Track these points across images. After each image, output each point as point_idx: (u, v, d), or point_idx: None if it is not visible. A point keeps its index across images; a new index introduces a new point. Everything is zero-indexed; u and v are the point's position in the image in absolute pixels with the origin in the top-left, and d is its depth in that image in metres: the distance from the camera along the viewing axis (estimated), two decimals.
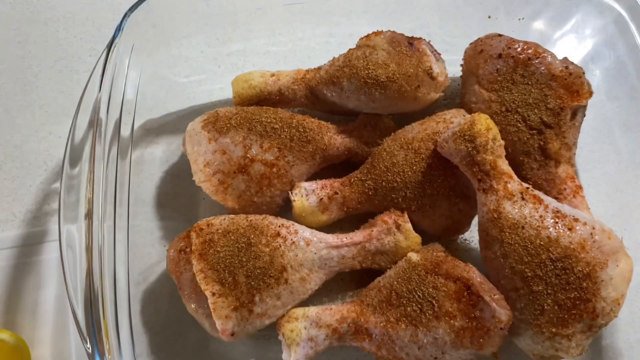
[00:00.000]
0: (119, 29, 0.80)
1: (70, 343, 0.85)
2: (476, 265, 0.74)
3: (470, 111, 0.82)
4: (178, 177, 0.91)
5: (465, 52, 0.86)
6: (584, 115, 0.81)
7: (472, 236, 0.85)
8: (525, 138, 0.79)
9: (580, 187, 0.80)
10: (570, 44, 0.93)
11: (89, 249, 0.71)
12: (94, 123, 0.76)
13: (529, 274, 0.70)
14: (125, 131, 0.81)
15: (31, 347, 0.83)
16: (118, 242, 0.77)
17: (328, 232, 0.80)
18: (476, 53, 0.83)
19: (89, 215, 0.72)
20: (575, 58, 0.91)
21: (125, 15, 0.82)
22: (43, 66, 1.03)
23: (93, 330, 0.67)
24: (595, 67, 0.92)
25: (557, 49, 0.92)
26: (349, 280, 0.84)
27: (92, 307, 0.68)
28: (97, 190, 0.74)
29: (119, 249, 0.77)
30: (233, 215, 0.79)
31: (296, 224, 0.79)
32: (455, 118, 0.81)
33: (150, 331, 0.82)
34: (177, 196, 0.90)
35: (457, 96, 0.91)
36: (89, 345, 0.66)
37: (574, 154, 0.81)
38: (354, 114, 0.87)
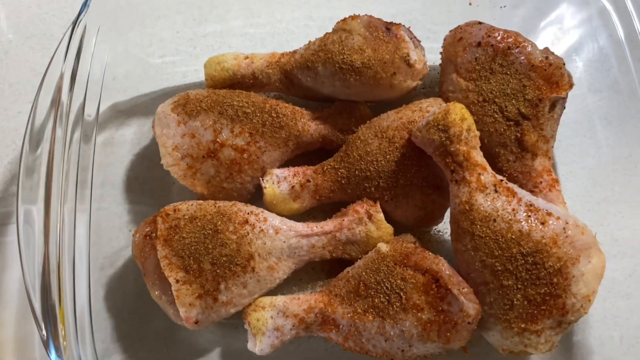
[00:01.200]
0: (85, 4, 0.77)
1: (33, 327, 0.83)
2: (449, 257, 0.73)
3: (447, 100, 0.81)
4: (149, 160, 0.89)
5: (445, 39, 0.83)
6: (564, 108, 0.79)
7: (445, 228, 0.84)
8: (502, 129, 0.77)
9: (556, 181, 0.79)
10: (553, 35, 0.91)
11: (46, 230, 0.69)
12: (56, 103, 0.73)
13: (499, 268, 0.68)
14: (91, 112, 0.79)
15: None
16: (82, 226, 0.76)
17: (299, 221, 0.79)
18: (455, 41, 0.81)
19: (47, 195, 0.70)
20: (558, 49, 0.89)
21: None
22: (14, 43, 1.00)
23: (48, 317, 0.65)
24: (578, 59, 0.90)
25: (540, 39, 0.91)
26: (319, 269, 0.83)
27: (48, 293, 0.67)
28: (57, 171, 0.72)
29: (82, 232, 0.75)
30: (201, 201, 0.77)
31: (266, 212, 0.77)
32: (432, 107, 0.79)
33: (116, 317, 0.81)
34: (147, 180, 0.88)
35: (436, 85, 0.89)
36: (44, 332, 0.65)
37: (552, 146, 0.80)
38: (329, 100, 0.85)
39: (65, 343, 0.66)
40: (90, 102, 0.80)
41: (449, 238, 0.78)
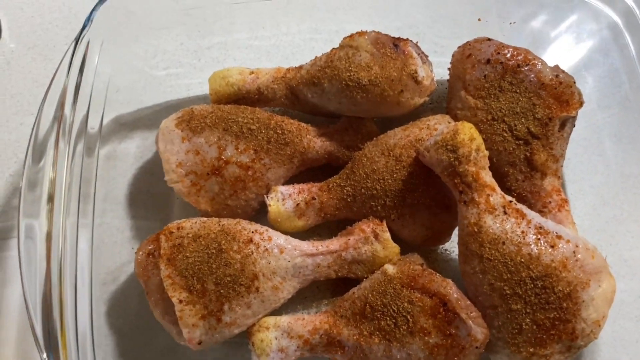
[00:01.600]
0: (88, 19, 0.76)
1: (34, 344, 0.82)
2: (456, 276, 0.72)
3: (455, 118, 0.79)
4: (152, 174, 0.88)
5: (453, 55, 0.82)
6: (573, 126, 0.78)
7: (452, 247, 0.83)
8: (511, 148, 0.76)
9: (565, 201, 0.77)
10: (562, 50, 0.90)
11: (48, 244, 0.68)
12: (59, 117, 0.72)
13: (508, 292, 0.67)
14: (94, 125, 0.78)
15: None
16: (84, 240, 0.75)
17: (304, 239, 0.78)
18: (464, 57, 0.80)
19: (49, 210, 0.70)
20: (568, 64, 0.88)
21: (97, 5, 0.78)
22: (16, 53, 0.99)
23: (49, 340, 0.64)
24: (588, 75, 0.89)
25: (549, 55, 0.89)
26: (324, 288, 0.82)
27: (49, 313, 0.66)
28: (60, 185, 0.71)
29: (84, 247, 0.75)
30: (205, 219, 0.76)
31: (270, 230, 0.76)
32: (440, 125, 0.78)
33: (117, 333, 0.80)
34: (150, 194, 0.87)
35: (444, 100, 0.88)
36: (45, 356, 0.64)
37: (561, 165, 0.79)
38: (335, 116, 0.84)
39: None
40: (93, 114, 0.79)
41: (456, 257, 0.77)
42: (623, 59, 0.86)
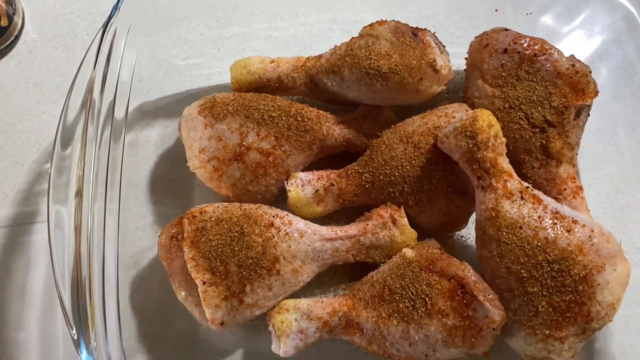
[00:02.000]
0: (115, 8, 0.78)
1: (57, 325, 0.84)
2: (472, 262, 0.73)
3: (472, 106, 0.81)
4: (172, 161, 0.89)
5: (470, 45, 0.83)
6: (588, 115, 0.79)
7: (468, 233, 0.84)
8: (527, 136, 0.77)
9: (580, 188, 0.79)
10: (578, 41, 0.91)
11: (77, 230, 0.70)
12: (87, 104, 0.74)
13: (525, 275, 0.69)
14: (119, 113, 0.80)
15: (18, 329, 0.82)
16: (108, 225, 0.76)
17: (323, 224, 0.79)
18: (481, 47, 0.81)
19: (78, 195, 0.71)
20: (583, 55, 0.89)
21: None
22: (38, 43, 1.01)
23: (79, 316, 0.66)
24: (603, 65, 0.90)
25: (564, 45, 0.90)
26: (342, 273, 0.83)
27: (79, 293, 0.67)
28: (88, 171, 0.73)
29: (110, 232, 0.76)
30: (227, 204, 0.77)
31: (290, 215, 0.78)
32: (457, 113, 0.79)
33: (140, 316, 0.81)
34: (171, 181, 0.89)
35: (460, 90, 0.90)
36: (74, 331, 0.65)
37: (576, 154, 0.80)
38: (354, 105, 0.85)
39: (95, 343, 0.67)
40: (119, 101, 0.81)
41: (473, 243, 0.79)
42: (637, 50, 0.87)
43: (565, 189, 0.78)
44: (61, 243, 0.71)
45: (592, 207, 0.82)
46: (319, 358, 0.80)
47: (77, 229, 0.70)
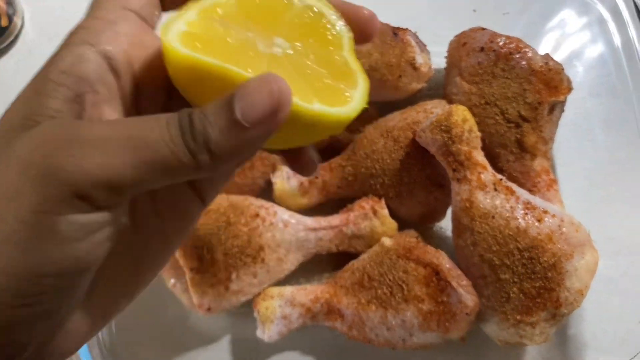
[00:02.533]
0: None
1: None
2: (449, 252, 0.76)
3: (451, 102, 0.84)
4: None
5: (450, 44, 0.87)
6: (562, 111, 0.82)
7: (447, 224, 0.87)
8: (502, 131, 0.81)
9: (554, 181, 0.82)
10: (555, 41, 0.94)
11: None
12: None
13: (497, 263, 0.72)
14: None
15: None
16: None
17: (307, 216, 0.83)
18: (460, 45, 0.84)
19: None
20: (560, 54, 0.93)
21: None
22: (37, 42, 1.04)
23: None
24: (579, 64, 0.94)
25: (542, 45, 0.94)
26: (325, 262, 0.86)
27: None
28: None
29: None
30: None
31: (276, 206, 0.81)
32: (436, 109, 0.82)
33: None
34: None
35: (441, 87, 0.92)
36: None
37: (551, 148, 0.83)
38: None
39: None
40: None
41: (450, 234, 0.82)
42: (610, 51, 0.90)
43: (539, 182, 0.81)
44: None
45: (568, 200, 0.84)
46: (303, 343, 0.83)
47: None
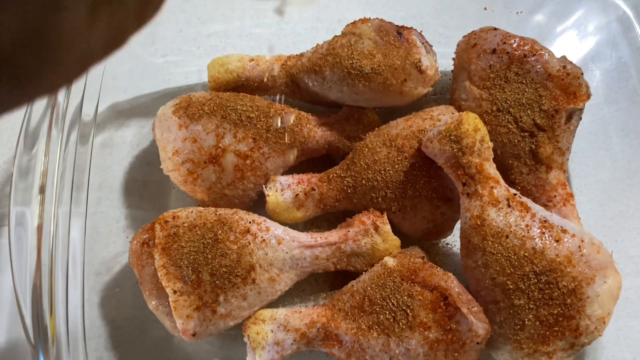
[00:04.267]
0: None
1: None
2: (457, 271, 0.70)
3: (459, 109, 0.78)
4: (148, 163, 0.86)
5: (458, 45, 0.80)
6: (580, 119, 0.76)
7: (454, 240, 0.81)
8: (516, 140, 0.74)
9: (571, 195, 0.76)
10: (570, 42, 0.88)
11: (39, 231, 0.67)
12: (52, 102, 0.70)
13: (511, 287, 0.65)
14: (89, 112, 0.76)
15: None
16: (77, 229, 0.73)
17: (303, 230, 0.76)
18: (469, 47, 0.78)
19: (41, 194, 0.68)
20: (575, 57, 0.86)
21: None
22: None
23: (38, 326, 0.63)
24: (596, 68, 0.87)
25: (556, 47, 0.87)
26: (322, 281, 0.80)
27: (38, 300, 0.64)
28: (53, 173, 0.70)
29: (77, 236, 0.73)
30: (201, 208, 0.74)
31: (268, 221, 0.74)
32: (443, 116, 0.76)
33: (111, 324, 0.78)
34: (146, 184, 0.85)
35: (447, 92, 0.86)
36: (32, 341, 0.62)
37: (567, 159, 0.77)
38: (336, 106, 0.82)
39: (55, 351, 0.63)
40: (88, 101, 0.77)
41: (458, 251, 0.75)
42: (632, 52, 0.84)
43: (555, 196, 0.75)
44: (25, 247, 0.68)
45: (584, 214, 0.79)
46: None
47: (39, 229, 0.67)
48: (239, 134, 0.76)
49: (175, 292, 0.68)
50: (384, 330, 0.67)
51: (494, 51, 0.76)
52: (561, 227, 0.67)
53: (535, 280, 0.65)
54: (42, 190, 0.70)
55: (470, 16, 0.90)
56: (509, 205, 0.68)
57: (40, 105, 0.71)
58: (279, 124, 0.77)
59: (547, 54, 0.75)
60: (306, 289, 0.80)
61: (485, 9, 0.90)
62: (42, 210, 0.69)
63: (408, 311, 0.67)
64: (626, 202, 0.82)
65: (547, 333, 0.65)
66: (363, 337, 0.68)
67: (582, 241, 0.66)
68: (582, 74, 0.74)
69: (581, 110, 0.75)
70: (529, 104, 0.74)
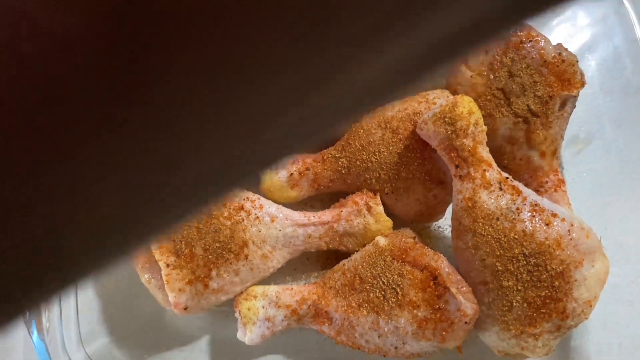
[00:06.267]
0: None
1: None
2: (448, 254, 0.71)
3: (455, 93, 0.78)
4: None
5: None
6: (574, 107, 0.77)
7: (445, 224, 0.82)
8: (509, 125, 0.75)
9: (562, 181, 0.76)
10: (566, 32, 0.88)
11: None
12: None
13: (500, 268, 0.66)
14: None
15: None
16: None
17: (297, 210, 0.77)
18: None
19: None
20: (572, 46, 0.86)
21: None
22: None
23: None
24: (592, 58, 0.88)
25: (553, 36, 0.88)
26: (314, 260, 0.81)
27: None
28: None
29: None
30: None
31: (262, 199, 0.75)
32: (439, 99, 0.76)
33: (103, 298, 0.79)
34: None
35: (444, 76, 0.87)
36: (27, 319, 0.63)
37: (560, 146, 0.78)
38: None
39: (48, 324, 0.64)
40: None
41: (449, 234, 0.76)
42: (628, 44, 0.85)
43: (546, 182, 0.76)
44: None
45: (575, 202, 0.79)
46: (287, 347, 0.78)
47: None
48: None
49: (168, 265, 0.69)
50: (374, 308, 0.68)
51: None
52: (551, 211, 0.68)
53: (524, 262, 0.66)
54: None
55: None
56: (500, 189, 0.68)
57: None
58: None
59: (543, 40, 0.75)
60: (298, 268, 0.80)
61: None
62: None
63: (398, 290, 0.67)
64: (617, 190, 0.83)
65: (535, 315, 0.66)
66: (353, 314, 0.69)
67: (572, 225, 0.67)
68: (577, 61, 0.75)
69: (575, 97, 0.76)
70: (523, 89, 0.74)
